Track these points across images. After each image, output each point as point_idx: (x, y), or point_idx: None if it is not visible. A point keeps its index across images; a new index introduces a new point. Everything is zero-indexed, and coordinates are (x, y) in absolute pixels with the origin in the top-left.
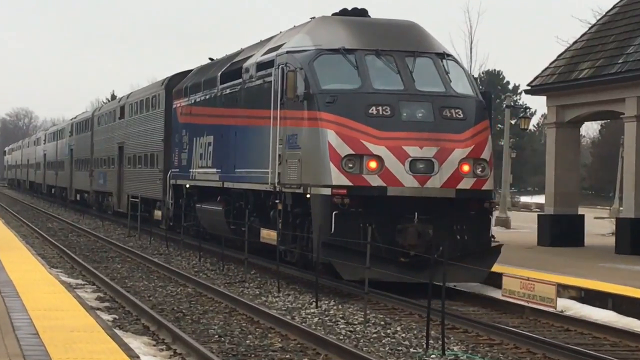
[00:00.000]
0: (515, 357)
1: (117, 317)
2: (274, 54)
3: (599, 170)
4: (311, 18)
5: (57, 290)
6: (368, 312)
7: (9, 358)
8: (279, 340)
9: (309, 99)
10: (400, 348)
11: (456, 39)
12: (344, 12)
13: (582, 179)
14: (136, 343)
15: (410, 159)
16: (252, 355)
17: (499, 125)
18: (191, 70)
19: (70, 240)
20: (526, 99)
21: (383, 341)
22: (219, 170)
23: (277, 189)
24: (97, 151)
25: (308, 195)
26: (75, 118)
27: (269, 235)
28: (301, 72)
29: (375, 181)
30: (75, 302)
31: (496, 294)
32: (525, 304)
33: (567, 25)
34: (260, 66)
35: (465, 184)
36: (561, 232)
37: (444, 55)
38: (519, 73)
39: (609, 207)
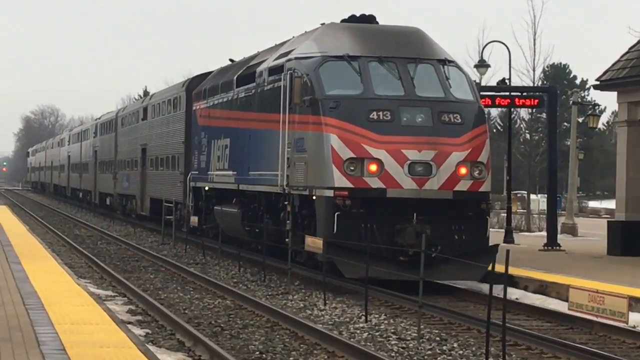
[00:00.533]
0: None
1: (149, 331)
2: (283, 59)
3: None
4: (321, 24)
5: (85, 303)
6: (422, 326)
7: None
8: (325, 357)
9: (314, 104)
10: None
11: (518, 30)
12: (352, 19)
13: None
14: None
15: (409, 162)
16: None
17: (565, 124)
18: (211, 72)
19: (99, 248)
20: (595, 95)
21: (438, 359)
22: (235, 172)
23: (286, 191)
24: (121, 153)
25: (314, 197)
26: (99, 119)
27: (314, 242)
28: (307, 78)
29: (376, 183)
30: (105, 316)
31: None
32: (594, 318)
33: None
34: (272, 71)
35: (463, 186)
36: (633, 240)
37: (445, 62)
38: (587, 67)
39: None
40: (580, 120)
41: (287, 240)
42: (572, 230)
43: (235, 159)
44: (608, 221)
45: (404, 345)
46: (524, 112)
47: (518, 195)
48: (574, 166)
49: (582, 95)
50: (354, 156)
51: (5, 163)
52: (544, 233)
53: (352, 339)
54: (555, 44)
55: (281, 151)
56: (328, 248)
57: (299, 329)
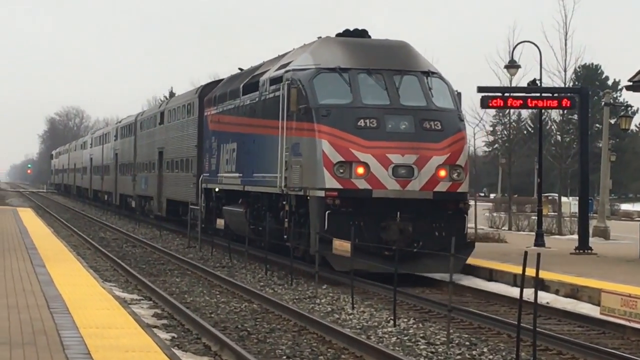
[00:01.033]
0: None
1: (175, 335)
2: (282, 70)
3: None
4: (318, 37)
5: (111, 306)
6: (451, 331)
7: None
8: None
9: (308, 112)
10: None
11: (549, 30)
12: (346, 33)
13: None
14: None
15: (393, 165)
16: None
17: (597, 125)
18: (222, 80)
19: (124, 251)
20: (627, 96)
21: None
22: (241, 174)
23: (284, 192)
24: (140, 155)
25: (308, 197)
26: (120, 122)
27: (341, 246)
28: (303, 88)
29: (362, 184)
30: (130, 319)
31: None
32: (627, 323)
33: None
34: (273, 81)
35: (442, 187)
36: None
37: (428, 73)
38: (619, 67)
39: None
40: (612, 121)
41: (284, 237)
42: (604, 234)
43: (241, 162)
44: None
45: (432, 350)
46: (555, 114)
47: (549, 197)
48: (605, 168)
49: (614, 96)
50: (343, 160)
51: (30, 165)
52: (576, 236)
53: (380, 344)
54: (586, 44)
55: (280, 155)
56: (320, 243)
57: (326, 333)
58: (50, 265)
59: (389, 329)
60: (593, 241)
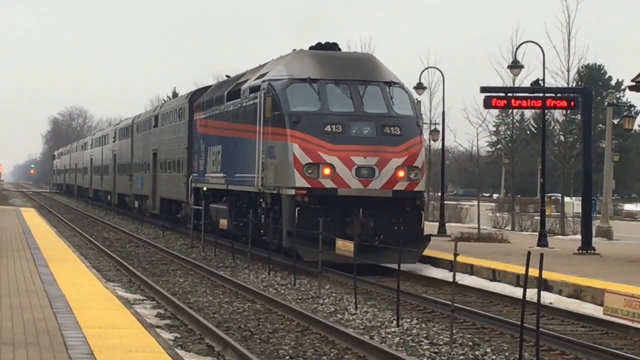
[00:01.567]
0: None
1: (178, 335)
2: (260, 80)
3: None
4: (293, 50)
5: (114, 306)
6: (454, 331)
7: None
8: None
9: (281, 118)
10: None
11: (552, 31)
12: (318, 46)
13: None
14: None
15: (356, 166)
16: None
17: (600, 126)
18: (210, 86)
19: (127, 251)
20: (630, 96)
21: None
22: (225, 175)
23: (261, 191)
24: (136, 156)
25: (281, 195)
26: (118, 124)
27: (344, 246)
28: (277, 97)
29: (329, 184)
30: (134, 319)
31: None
32: (630, 323)
33: None
34: (252, 89)
35: (401, 186)
36: None
37: (390, 83)
38: (622, 67)
39: None
40: (615, 121)
41: (261, 231)
42: (607, 234)
43: (225, 163)
44: None
45: (436, 350)
46: (558, 114)
47: (552, 198)
48: (609, 168)
49: (618, 96)
50: (312, 162)
51: (33, 165)
52: (579, 236)
53: (383, 344)
54: (589, 44)
55: (257, 157)
56: (288, 236)
57: (329, 334)
58: (53, 265)
59: (392, 329)
60: (596, 241)
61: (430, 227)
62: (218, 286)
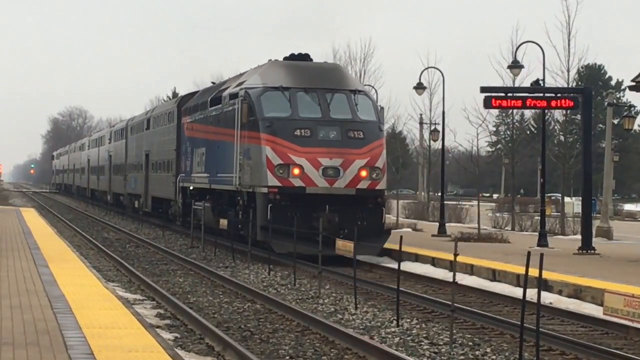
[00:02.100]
0: None
1: (178, 335)
2: (238, 88)
3: None
4: (268, 60)
5: (114, 306)
6: (454, 331)
7: None
8: None
9: (255, 123)
10: None
11: (552, 31)
12: (291, 57)
13: None
14: None
15: (323, 167)
16: None
17: (600, 126)
18: (197, 92)
19: (127, 251)
20: (630, 96)
21: None
22: (208, 175)
23: (239, 189)
24: (130, 157)
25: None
26: (113, 126)
27: (344, 246)
28: (252, 104)
29: (298, 183)
30: (134, 319)
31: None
32: (630, 323)
33: None
34: (231, 96)
35: (363, 185)
36: None
37: (355, 91)
38: (623, 67)
39: None
40: (615, 121)
41: (239, 226)
42: (607, 234)
43: (209, 164)
44: None
45: (436, 350)
46: (558, 114)
47: (552, 198)
48: (609, 168)
49: (618, 96)
50: (282, 162)
51: (33, 165)
52: (579, 236)
53: (383, 344)
54: (589, 44)
55: (235, 158)
56: (262, 231)
57: (329, 334)
58: (53, 265)
59: (392, 329)
60: (596, 241)
61: (430, 227)
62: (218, 286)
